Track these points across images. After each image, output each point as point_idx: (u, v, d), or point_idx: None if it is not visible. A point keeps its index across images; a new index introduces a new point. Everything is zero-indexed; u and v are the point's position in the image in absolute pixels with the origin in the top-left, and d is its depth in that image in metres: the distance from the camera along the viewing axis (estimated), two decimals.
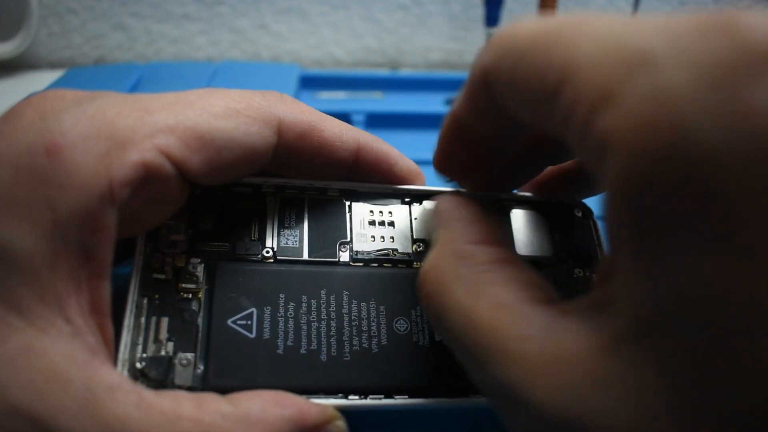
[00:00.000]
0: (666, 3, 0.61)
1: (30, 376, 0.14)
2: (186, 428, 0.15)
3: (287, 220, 0.22)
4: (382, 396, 0.20)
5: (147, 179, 0.17)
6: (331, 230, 0.22)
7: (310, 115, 0.20)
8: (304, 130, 0.20)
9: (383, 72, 0.57)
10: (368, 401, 0.20)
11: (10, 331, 0.15)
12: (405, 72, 0.59)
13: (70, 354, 0.15)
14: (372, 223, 0.22)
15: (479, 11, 0.56)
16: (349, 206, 0.23)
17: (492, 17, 0.54)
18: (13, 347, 0.15)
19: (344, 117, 0.47)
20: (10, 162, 0.15)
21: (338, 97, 0.52)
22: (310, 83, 0.53)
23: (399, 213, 0.23)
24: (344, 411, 0.19)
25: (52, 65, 0.60)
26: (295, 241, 0.22)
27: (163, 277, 0.20)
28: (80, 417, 0.14)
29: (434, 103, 0.51)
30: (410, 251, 0.22)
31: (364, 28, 0.61)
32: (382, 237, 0.22)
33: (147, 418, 0.15)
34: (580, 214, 0.24)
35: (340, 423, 0.18)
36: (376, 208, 0.23)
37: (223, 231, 0.21)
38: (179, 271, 0.20)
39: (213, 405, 0.16)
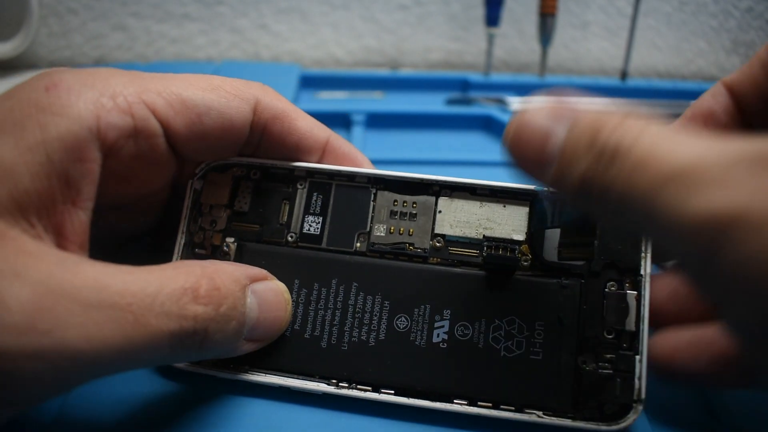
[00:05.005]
0: (666, 3, 0.61)
1: (2, 259, 0.15)
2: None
3: (313, 205, 0.23)
4: (370, 389, 0.21)
5: (134, 130, 0.19)
6: (352, 218, 0.22)
7: (286, 105, 0.22)
8: (278, 114, 0.22)
9: (383, 72, 0.57)
10: (354, 391, 0.21)
11: None
12: (405, 72, 0.59)
13: (36, 245, 0.17)
14: (394, 214, 0.22)
15: (479, 11, 0.56)
16: (375, 195, 0.23)
17: (492, 17, 0.54)
18: None
19: (344, 117, 0.47)
20: (13, 96, 0.18)
21: (338, 97, 0.52)
22: (310, 83, 0.53)
23: (423, 206, 0.22)
24: (331, 397, 0.21)
25: (52, 65, 0.60)
26: (317, 228, 0.22)
27: (204, 252, 0.22)
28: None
29: (434, 103, 0.51)
30: (427, 246, 0.22)
31: (364, 28, 0.61)
32: (401, 229, 0.22)
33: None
34: None
35: (282, 286, 0.21)
36: (401, 199, 0.22)
37: (256, 212, 0.23)
38: (215, 249, 0.23)
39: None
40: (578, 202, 0.16)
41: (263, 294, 0.20)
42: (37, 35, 0.58)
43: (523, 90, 0.53)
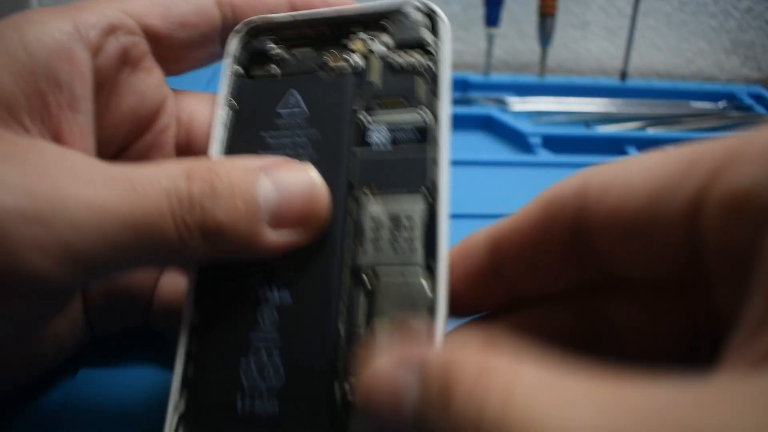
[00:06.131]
0: (666, 3, 0.61)
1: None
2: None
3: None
4: None
5: (111, 26, 0.19)
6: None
7: None
8: None
9: None
10: None
11: None
12: None
13: (33, 140, 0.17)
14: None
15: (479, 11, 0.56)
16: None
17: (492, 17, 0.54)
18: None
19: None
20: None
21: None
22: None
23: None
24: None
25: None
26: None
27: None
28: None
29: None
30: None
31: None
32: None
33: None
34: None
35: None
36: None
37: None
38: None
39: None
40: None
41: (283, 176, 0.17)
42: None
43: (523, 90, 0.53)
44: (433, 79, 0.19)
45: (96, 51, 0.18)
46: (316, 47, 0.21)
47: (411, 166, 0.18)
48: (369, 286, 0.17)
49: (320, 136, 0.19)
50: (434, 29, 0.20)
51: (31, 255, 0.14)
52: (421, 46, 0.20)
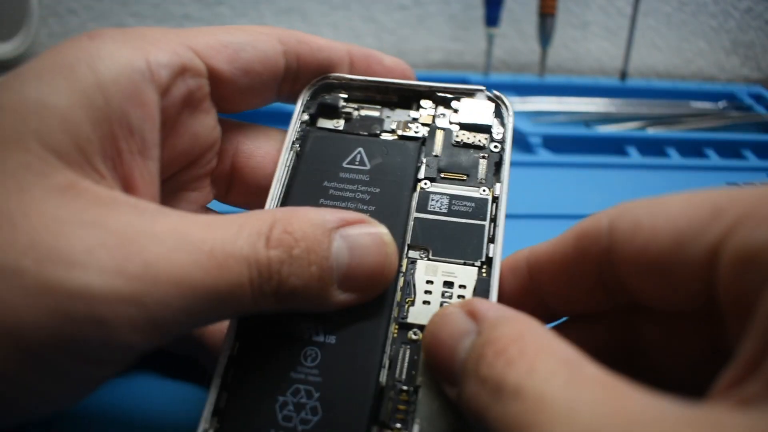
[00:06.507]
0: (666, 3, 0.61)
1: (78, 210, 0.15)
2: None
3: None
4: None
5: (182, 68, 0.19)
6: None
7: (300, 31, 0.23)
8: (299, 38, 0.22)
9: None
10: None
11: (51, 169, 0.16)
12: None
13: (112, 194, 0.16)
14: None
15: (479, 11, 0.56)
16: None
17: (492, 17, 0.54)
18: (58, 182, 0.15)
19: None
20: (56, 47, 0.17)
21: None
22: None
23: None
24: None
25: None
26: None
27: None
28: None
29: None
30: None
31: (364, 29, 0.61)
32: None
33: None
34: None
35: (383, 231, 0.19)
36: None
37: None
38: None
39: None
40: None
41: (356, 238, 0.18)
42: (37, 35, 0.57)
43: (523, 90, 0.53)
44: (496, 163, 0.21)
45: (164, 92, 0.18)
46: (383, 111, 0.23)
47: (470, 240, 0.19)
48: (414, 343, 0.18)
49: (381, 196, 0.20)
50: (500, 117, 0.22)
51: (124, 332, 0.15)
52: (488, 132, 0.21)
